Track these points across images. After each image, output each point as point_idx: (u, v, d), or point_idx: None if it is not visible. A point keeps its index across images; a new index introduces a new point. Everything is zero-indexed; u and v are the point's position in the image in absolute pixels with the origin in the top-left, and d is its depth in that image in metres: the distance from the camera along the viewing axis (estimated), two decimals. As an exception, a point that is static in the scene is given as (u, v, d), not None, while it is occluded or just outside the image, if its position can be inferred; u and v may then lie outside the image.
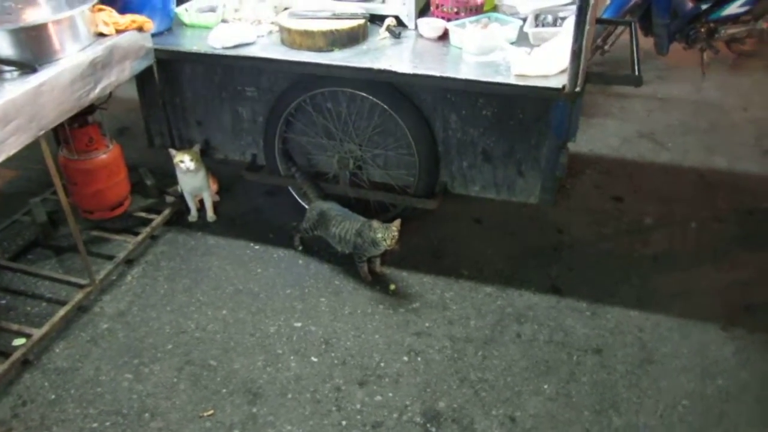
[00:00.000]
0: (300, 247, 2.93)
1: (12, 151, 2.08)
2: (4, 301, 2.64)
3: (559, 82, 2.29)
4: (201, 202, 3.13)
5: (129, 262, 2.83)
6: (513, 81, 2.33)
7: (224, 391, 2.25)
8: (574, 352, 2.40)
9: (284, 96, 2.79)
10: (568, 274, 2.78)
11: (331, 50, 2.57)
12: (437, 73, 2.41)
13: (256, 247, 2.96)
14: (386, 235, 2.54)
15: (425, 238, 2.99)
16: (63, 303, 2.56)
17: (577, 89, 2.26)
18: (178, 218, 3.11)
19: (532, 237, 3.03)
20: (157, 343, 2.45)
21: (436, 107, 2.65)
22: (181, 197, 3.10)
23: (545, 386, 2.27)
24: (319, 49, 2.56)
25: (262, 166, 3.05)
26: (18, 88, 2.09)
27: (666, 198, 3.30)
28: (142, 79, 2.85)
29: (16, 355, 2.28)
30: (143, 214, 3.03)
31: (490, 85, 2.36)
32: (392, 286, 2.72)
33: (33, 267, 2.77)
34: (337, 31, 2.55)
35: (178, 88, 2.94)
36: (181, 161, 2.89)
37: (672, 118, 4.11)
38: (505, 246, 2.96)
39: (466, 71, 2.43)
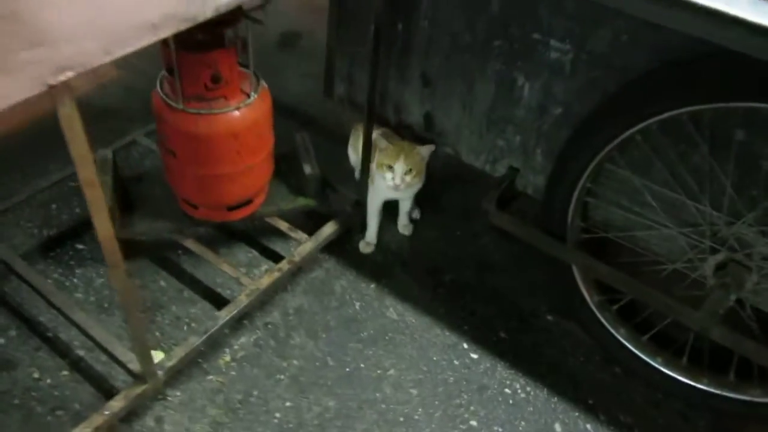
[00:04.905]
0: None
1: None
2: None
3: None
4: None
5: (240, 318, 1.49)
6: None
7: None
8: None
9: (653, 87, 1.21)
10: None
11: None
12: None
13: (474, 356, 1.51)
14: None
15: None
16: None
17: None
18: (340, 239, 1.71)
19: None
20: None
21: None
22: (357, 205, 1.69)
23: None
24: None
25: (521, 193, 1.54)
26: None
27: None
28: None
29: None
30: (285, 227, 1.64)
31: None
32: None
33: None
34: None
35: (407, 13, 1.45)
36: (390, 166, 1.46)
37: None
38: None
39: None
